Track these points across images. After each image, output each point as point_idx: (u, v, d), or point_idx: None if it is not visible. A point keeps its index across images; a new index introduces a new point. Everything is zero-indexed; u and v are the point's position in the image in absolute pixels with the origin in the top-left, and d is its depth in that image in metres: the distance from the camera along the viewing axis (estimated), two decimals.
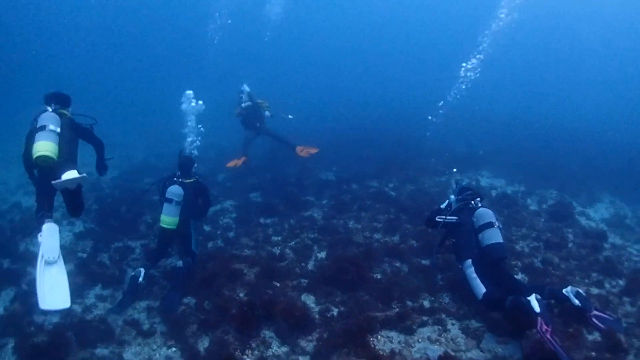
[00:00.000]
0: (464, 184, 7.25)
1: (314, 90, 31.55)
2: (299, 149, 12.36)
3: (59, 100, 6.48)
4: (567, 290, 5.38)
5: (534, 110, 22.93)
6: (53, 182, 5.46)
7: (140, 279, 6.66)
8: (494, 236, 5.93)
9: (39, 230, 5.53)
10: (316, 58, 41.43)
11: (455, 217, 6.48)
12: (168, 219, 7.07)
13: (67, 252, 8.26)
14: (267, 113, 12.18)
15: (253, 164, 13.74)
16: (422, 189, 11.33)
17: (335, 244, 8.08)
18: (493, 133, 17.56)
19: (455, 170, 8.22)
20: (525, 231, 8.70)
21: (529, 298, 4.95)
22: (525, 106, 24.23)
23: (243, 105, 12.03)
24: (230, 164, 12.25)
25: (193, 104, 9.83)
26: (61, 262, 5.46)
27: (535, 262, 7.41)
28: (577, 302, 5.26)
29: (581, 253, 7.70)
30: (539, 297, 4.95)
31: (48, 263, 5.30)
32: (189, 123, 9.69)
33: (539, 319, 4.67)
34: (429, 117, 13.43)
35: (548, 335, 4.51)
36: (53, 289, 5.15)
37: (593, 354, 4.79)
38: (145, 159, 16.73)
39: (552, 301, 5.55)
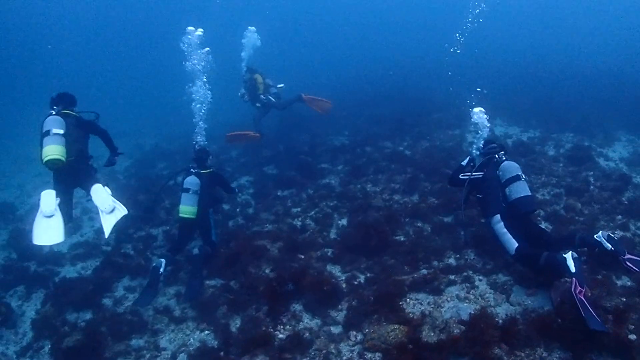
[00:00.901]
0: (486, 138, 6.98)
1: (321, 51, 30.97)
2: (306, 97, 11.57)
3: (63, 101, 6.70)
4: (599, 235, 5.29)
5: (545, 52, 22.16)
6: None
7: (162, 270, 6.72)
8: (522, 189, 5.74)
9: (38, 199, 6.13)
10: (323, 18, 40.38)
11: (481, 173, 6.30)
12: (187, 208, 7.12)
13: (91, 248, 8.53)
14: (260, 97, 11.28)
15: (264, 136, 13.69)
16: (437, 145, 11.19)
17: (355, 210, 8.09)
18: (504, 79, 17.09)
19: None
20: (544, 179, 8.58)
21: (565, 255, 4.81)
22: (536, 48, 23.44)
23: (244, 79, 11.49)
24: (234, 134, 11.38)
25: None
26: (58, 214, 6.03)
27: (559, 210, 7.33)
28: (609, 246, 5.18)
29: (603, 196, 7.57)
30: (575, 255, 4.79)
31: (46, 216, 5.95)
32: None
33: (574, 279, 4.54)
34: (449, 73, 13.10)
35: (581, 297, 4.38)
36: (48, 230, 5.87)
37: (623, 299, 4.76)
38: (156, 144, 16.76)
39: (585, 249, 5.47)
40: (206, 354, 5.26)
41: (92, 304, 6.65)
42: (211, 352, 5.26)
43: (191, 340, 5.69)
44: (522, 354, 4.32)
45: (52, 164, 6.06)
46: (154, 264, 6.79)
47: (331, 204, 8.67)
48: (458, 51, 12.44)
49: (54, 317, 6.37)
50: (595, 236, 5.33)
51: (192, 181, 7.25)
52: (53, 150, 6.00)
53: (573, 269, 4.66)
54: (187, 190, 7.18)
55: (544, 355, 4.28)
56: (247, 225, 8.45)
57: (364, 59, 26.10)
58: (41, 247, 8.39)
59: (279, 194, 9.87)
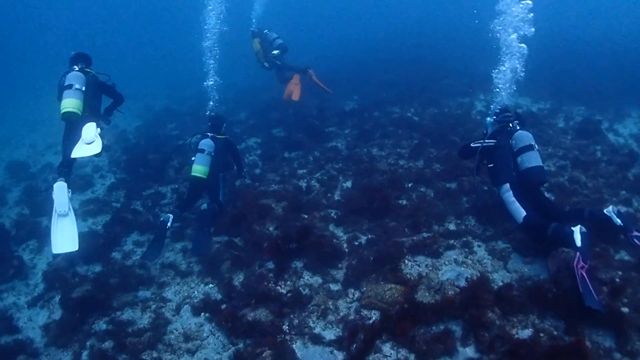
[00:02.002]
0: (501, 106, 6.90)
1: (332, 16, 30.36)
2: (312, 75, 11.28)
3: (83, 60, 7.01)
4: (609, 210, 5.29)
5: (559, 26, 21.51)
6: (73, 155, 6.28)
7: (169, 224, 6.89)
8: (534, 159, 5.71)
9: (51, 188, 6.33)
10: None
11: (494, 140, 6.24)
12: (200, 167, 7.26)
13: (102, 204, 8.73)
14: (264, 64, 11.55)
15: (274, 99, 13.76)
16: (445, 112, 11.12)
17: (360, 173, 8.18)
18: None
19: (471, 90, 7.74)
20: (551, 150, 8.55)
21: (573, 229, 4.82)
22: (550, 21, 22.70)
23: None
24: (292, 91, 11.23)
25: None
26: (72, 213, 6.24)
27: (563, 181, 7.35)
28: (619, 221, 5.17)
29: (609, 171, 7.56)
30: (584, 229, 4.80)
31: (60, 215, 6.17)
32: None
33: (577, 253, 4.56)
34: None
35: (583, 272, 4.39)
36: (64, 236, 6.05)
37: (620, 272, 4.85)
38: (166, 105, 16.77)
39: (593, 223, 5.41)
40: (209, 305, 5.49)
41: (102, 258, 6.88)
42: (214, 304, 5.49)
43: (195, 292, 5.91)
44: (515, 320, 4.45)
45: (69, 116, 6.39)
46: (161, 219, 6.95)
47: (337, 167, 8.76)
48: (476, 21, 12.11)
49: (64, 270, 6.60)
50: (605, 210, 5.32)
51: (207, 143, 7.46)
52: (72, 103, 6.33)
53: (579, 243, 4.68)
54: (201, 150, 7.37)
55: (536, 322, 4.41)
56: (254, 186, 8.58)
57: (379, 23, 25.59)
58: (52, 202, 8.72)
59: (285, 155, 9.96)
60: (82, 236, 7.20)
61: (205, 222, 6.94)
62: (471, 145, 6.43)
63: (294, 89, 11.08)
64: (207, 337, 5.12)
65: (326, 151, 9.72)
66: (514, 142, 5.98)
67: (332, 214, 7.08)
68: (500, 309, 4.54)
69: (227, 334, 5.03)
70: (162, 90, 19.17)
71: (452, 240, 5.93)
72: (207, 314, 5.41)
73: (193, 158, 7.36)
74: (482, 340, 4.25)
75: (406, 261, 5.61)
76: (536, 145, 5.87)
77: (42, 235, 7.71)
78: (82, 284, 5.94)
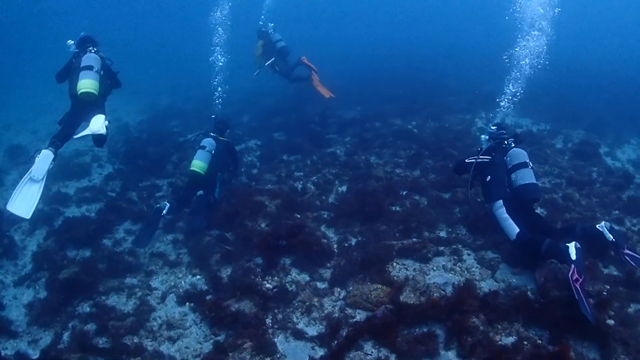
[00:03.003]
0: (497, 122, 6.98)
1: (339, 30, 30.64)
2: (315, 79, 11.86)
3: (95, 44, 7.15)
4: (601, 225, 5.29)
5: (563, 53, 21.72)
6: (77, 135, 6.45)
7: (164, 212, 7.01)
8: (528, 176, 5.73)
9: (39, 152, 6.31)
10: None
11: (489, 157, 6.27)
12: (199, 162, 7.43)
13: (98, 192, 8.76)
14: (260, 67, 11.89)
15: (278, 103, 13.97)
16: (445, 127, 11.17)
17: (356, 178, 8.20)
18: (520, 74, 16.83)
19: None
20: (547, 168, 8.59)
21: (568, 245, 4.83)
22: (554, 47, 22.95)
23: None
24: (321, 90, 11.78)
25: None
26: (42, 183, 6.20)
27: (556, 197, 7.37)
28: (611, 237, 5.17)
29: (604, 191, 7.57)
30: (578, 245, 4.81)
31: (32, 180, 6.13)
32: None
33: (573, 266, 4.55)
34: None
35: (577, 285, 4.37)
36: (24, 199, 6.02)
37: (607, 286, 4.83)
38: (171, 103, 16.92)
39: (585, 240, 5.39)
40: (194, 296, 5.49)
41: (93, 243, 6.88)
42: (199, 295, 5.48)
43: (182, 283, 5.91)
44: (499, 326, 4.45)
45: (87, 95, 6.44)
46: (157, 205, 7.11)
47: (333, 171, 8.78)
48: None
49: (54, 252, 6.60)
50: (597, 226, 5.33)
51: (209, 141, 7.73)
52: (91, 84, 6.44)
53: (574, 257, 4.68)
54: (202, 147, 7.61)
55: (520, 330, 4.40)
56: (250, 184, 8.60)
57: (386, 40, 25.81)
58: (49, 188, 8.69)
59: (284, 158, 10.00)
60: (74, 220, 7.32)
61: (201, 205, 7.08)
62: (465, 161, 6.45)
63: (321, 90, 11.59)
64: (190, 326, 5.12)
65: (324, 156, 9.76)
66: (508, 159, 6.02)
67: (324, 215, 7.10)
68: (485, 316, 4.54)
69: (210, 324, 5.03)
70: (168, 89, 19.27)
71: (442, 247, 5.93)
72: (191, 304, 5.41)
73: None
74: (465, 345, 4.23)
75: (394, 264, 5.60)
76: (531, 163, 5.91)
77: (35, 218, 7.63)
78: (69, 266, 5.95)
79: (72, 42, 7.21)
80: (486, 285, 5.18)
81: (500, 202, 5.75)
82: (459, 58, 19.15)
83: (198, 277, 5.99)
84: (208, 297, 5.42)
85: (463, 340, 4.29)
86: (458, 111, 12.32)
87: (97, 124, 6.40)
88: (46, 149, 6.31)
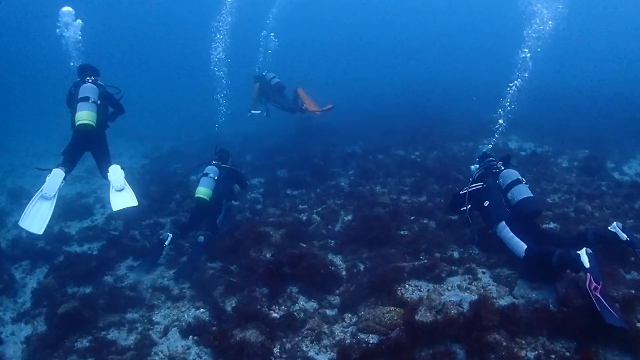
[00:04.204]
0: (485, 150, 7.07)
1: (338, 69, 31.39)
2: (305, 99, 12.15)
3: (94, 72, 7.23)
4: (613, 226, 5.16)
5: (562, 77, 22.08)
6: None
7: (167, 242, 6.97)
8: (524, 191, 5.72)
9: (49, 171, 6.46)
10: (337, 38, 41.15)
11: (481, 183, 6.29)
12: (203, 189, 7.46)
13: (100, 231, 8.61)
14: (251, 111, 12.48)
15: (281, 142, 14.12)
16: (448, 155, 11.13)
17: (361, 207, 8.02)
18: (520, 100, 17.01)
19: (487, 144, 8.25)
20: (556, 185, 8.43)
21: (579, 252, 4.61)
22: (553, 72, 23.37)
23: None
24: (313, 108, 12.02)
25: None
26: (54, 201, 6.27)
27: (568, 212, 7.15)
28: (625, 236, 5.03)
29: (615, 202, 7.38)
30: (590, 251, 4.59)
31: (44, 197, 6.22)
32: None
33: (589, 275, 4.33)
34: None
35: (597, 294, 4.15)
36: (36, 216, 6.06)
37: (632, 291, 4.59)
38: (174, 147, 17.03)
39: (599, 245, 5.27)
40: (198, 328, 5.21)
41: (94, 280, 6.67)
42: (203, 327, 5.20)
43: (185, 316, 5.64)
44: (523, 342, 4.17)
45: (84, 127, 6.53)
46: (160, 236, 7.05)
47: (338, 202, 8.64)
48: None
49: (54, 289, 6.39)
50: (609, 227, 5.21)
51: (212, 169, 7.81)
52: (88, 116, 6.52)
53: (587, 265, 4.46)
54: (206, 174, 7.68)
55: (546, 343, 4.12)
56: (254, 218, 8.44)
57: (384, 77, 26.39)
58: (51, 227, 8.59)
59: (288, 192, 9.89)
60: (75, 257, 7.25)
61: (196, 253, 6.97)
62: (460, 193, 6.44)
63: (312, 107, 11.82)
64: (194, 359, 4.82)
65: (328, 188, 9.65)
66: (501, 180, 6.08)
67: (331, 244, 6.90)
68: (506, 331, 4.25)
69: (214, 356, 4.73)
70: (171, 134, 19.52)
71: (455, 267, 5.69)
72: (195, 337, 5.12)
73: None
74: None
75: (407, 286, 5.36)
76: (524, 179, 5.91)
77: (36, 256, 7.61)
78: (69, 301, 5.73)
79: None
80: (505, 303, 4.86)
81: (503, 223, 5.66)
82: (457, 91, 19.46)
83: (202, 310, 5.72)
84: (212, 328, 5.13)
85: (485, 357, 4.00)
86: (460, 139, 12.33)
87: (117, 179, 6.67)
88: (57, 167, 6.44)
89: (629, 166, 9.83)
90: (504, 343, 4.11)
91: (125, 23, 38.09)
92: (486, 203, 6.08)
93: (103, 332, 5.39)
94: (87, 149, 7.03)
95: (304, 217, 8.11)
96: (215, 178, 7.68)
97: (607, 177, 8.80)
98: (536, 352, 4.02)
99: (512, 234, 5.49)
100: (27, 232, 6.12)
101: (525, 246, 5.29)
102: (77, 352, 5.05)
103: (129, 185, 6.79)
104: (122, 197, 6.66)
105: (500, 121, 8.35)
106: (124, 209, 6.57)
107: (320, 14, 42.63)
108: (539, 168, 9.26)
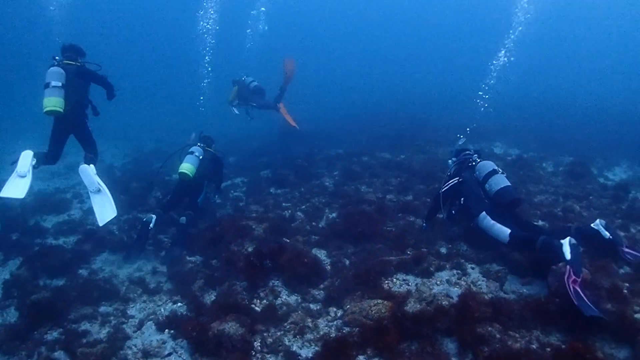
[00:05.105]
0: (459, 144, 7.05)
1: (322, 76, 31.44)
2: (282, 110, 12.77)
3: (72, 51, 7.06)
4: (596, 224, 5.08)
5: (546, 88, 22.47)
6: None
7: (151, 225, 6.87)
8: (501, 181, 5.68)
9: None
10: (323, 46, 41.41)
11: (457, 178, 6.19)
12: (188, 165, 7.47)
13: (77, 225, 8.25)
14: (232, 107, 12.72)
15: (265, 144, 14.17)
16: (434, 158, 11.02)
17: (346, 205, 7.81)
18: (504, 110, 17.20)
19: (460, 136, 8.19)
20: (542, 187, 8.37)
21: (562, 241, 4.54)
22: (536, 84, 23.78)
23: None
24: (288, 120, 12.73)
25: None
26: (30, 175, 6.43)
27: (556, 211, 7.07)
28: (607, 234, 4.95)
29: (603, 202, 7.35)
30: (573, 241, 4.51)
31: (19, 176, 6.37)
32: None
33: (568, 267, 4.27)
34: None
35: (576, 287, 4.09)
36: (15, 187, 6.31)
37: (626, 284, 4.51)
38: (156, 147, 16.64)
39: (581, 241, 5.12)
40: (174, 321, 4.93)
41: (67, 272, 6.34)
42: (180, 320, 4.91)
43: (162, 310, 5.35)
44: (517, 335, 4.02)
45: (51, 113, 6.48)
46: (144, 219, 6.99)
47: (323, 200, 8.43)
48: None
49: (26, 280, 6.03)
50: (592, 225, 5.13)
51: (197, 149, 7.86)
52: (51, 102, 6.40)
53: (568, 256, 4.40)
54: (191, 152, 7.72)
55: (540, 337, 3.98)
56: (235, 215, 8.17)
57: (365, 86, 26.48)
58: (26, 221, 8.37)
59: (271, 191, 9.65)
60: (49, 248, 6.98)
61: (181, 235, 6.97)
62: (440, 192, 6.28)
63: (288, 119, 12.46)
64: (169, 354, 4.52)
65: (313, 187, 9.44)
66: (477, 173, 6.04)
67: (315, 239, 6.67)
68: (499, 324, 4.09)
69: (191, 350, 4.44)
70: (153, 134, 19.14)
71: (443, 262, 5.51)
72: (171, 331, 4.83)
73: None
74: (481, 355, 3.76)
75: (394, 279, 5.17)
76: (500, 170, 5.87)
77: (9, 248, 7.24)
78: (40, 291, 5.41)
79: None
80: (496, 298, 4.74)
81: (484, 213, 5.58)
82: (442, 98, 19.64)
83: (179, 304, 5.43)
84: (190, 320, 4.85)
85: (478, 350, 3.82)
86: (445, 144, 12.23)
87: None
88: (26, 150, 6.56)
89: (613, 173, 9.84)
90: (497, 335, 3.96)
91: (117, 22, 37.67)
92: (462, 200, 6.02)
93: (74, 325, 5.05)
94: (67, 133, 6.97)
95: (287, 214, 7.87)
96: (200, 157, 7.68)
97: (593, 181, 8.79)
98: (531, 346, 3.86)
99: (493, 221, 5.42)
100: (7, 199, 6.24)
101: (509, 230, 5.21)
102: (46, 344, 4.72)
103: (108, 191, 6.72)
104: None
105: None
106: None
107: (309, 20, 42.91)
108: (525, 171, 9.22)
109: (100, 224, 6.45)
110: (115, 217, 6.52)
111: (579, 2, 35.16)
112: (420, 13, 43.85)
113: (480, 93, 10.35)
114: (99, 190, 6.62)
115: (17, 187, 6.26)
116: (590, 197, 7.69)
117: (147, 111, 24.78)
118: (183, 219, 7.11)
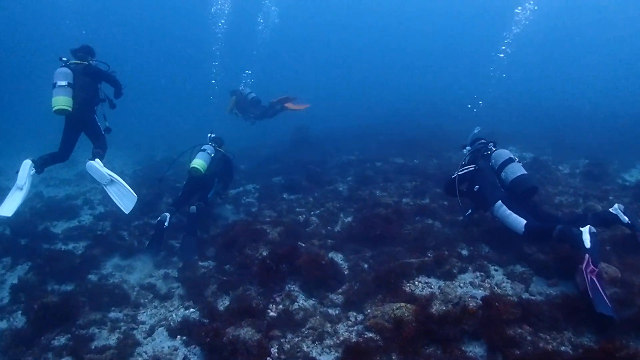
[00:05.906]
0: (475, 132, 6.86)
1: (335, 84, 31.47)
2: (288, 105, 12.66)
3: (86, 52, 7.16)
4: (615, 208, 4.89)
5: (560, 93, 22.25)
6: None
7: (166, 223, 6.92)
8: (517, 169, 5.53)
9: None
10: (337, 53, 41.54)
11: (473, 165, 6.06)
12: (199, 161, 7.65)
13: (86, 231, 8.14)
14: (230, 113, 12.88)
15: (276, 152, 14.06)
16: (448, 163, 10.83)
17: (361, 209, 7.65)
18: (518, 114, 17.05)
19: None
20: (561, 188, 8.14)
21: (582, 229, 4.38)
22: (549, 88, 23.58)
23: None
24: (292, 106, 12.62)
25: None
26: (26, 189, 6.53)
27: (578, 212, 6.80)
28: (626, 219, 4.77)
29: (624, 202, 7.05)
30: (593, 230, 4.34)
31: (18, 187, 6.51)
32: None
33: (587, 256, 4.10)
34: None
35: (592, 276, 3.93)
36: (10, 202, 6.39)
37: None
38: (167, 156, 16.60)
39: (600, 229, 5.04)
40: (187, 327, 4.76)
41: (77, 277, 6.22)
42: (193, 326, 4.74)
43: (173, 316, 5.18)
44: (548, 337, 3.81)
45: (59, 113, 6.56)
46: (159, 218, 7.08)
47: (337, 205, 8.25)
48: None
49: (34, 285, 5.93)
50: (610, 209, 4.96)
51: (208, 147, 8.07)
52: (59, 101, 6.48)
53: (588, 244, 4.24)
54: (203, 150, 7.92)
55: (572, 338, 3.77)
56: (249, 220, 8.01)
57: (378, 93, 26.41)
58: (35, 227, 8.39)
59: (284, 196, 9.50)
60: (59, 253, 6.91)
61: (193, 225, 7.06)
62: (452, 177, 6.20)
63: (297, 108, 12.50)
64: None
65: (327, 193, 9.28)
66: (493, 161, 5.89)
67: (331, 243, 6.49)
68: (529, 325, 3.88)
69: (205, 357, 4.26)
70: (165, 143, 19.09)
71: (465, 264, 5.31)
72: (184, 337, 4.66)
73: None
74: (512, 358, 3.55)
75: (416, 282, 4.96)
76: (516, 158, 5.73)
77: (18, 253, 7.13)
78: (48, 296, 5.25)
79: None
80: (522, 300, 4.51)
81: (500, 202, 5.41)
82: (456, 100, 19.54)
83: (192, 309, 5.26)
84: (204, 326, 4.67)
85: (509, 353, 3.61)
86: (459, 148, 12.01)
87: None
88: (26, 159, 6.65)
89: (630, 174, 9.57)
90: (528, 337, 3.75)
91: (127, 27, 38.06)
92: (477, 187, 5.87)
93: (83, 330, 4.89)
94: (77, 131, 7.06)
95: (302, 219, 7.71)
96: (212, 155, 7.88)
97: (612, 182, 8.56)
98: (563, 347, 3.65)
99: (509, 211, 5.26)
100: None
101: (525, 221, 5.06)
102: (53, 349, 4.57)
103: (120, 178, 6.80)
104: (117, 189, 6.71)
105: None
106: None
107: (316, 24, 43.09)
108: (543, 173, 8.99)
109: (126, 212, 6.56)
110: (136, 200, 6.63)
111: (591, 4, 34.99)
112: (433, 18, 43.90)
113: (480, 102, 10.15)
114: (112, 181, 6.66)
115: (9, 203, 6.38)
116: (611, 197, 7.44)
117: (159, 118, 24.86)
118: (193, 208, 7.29)
